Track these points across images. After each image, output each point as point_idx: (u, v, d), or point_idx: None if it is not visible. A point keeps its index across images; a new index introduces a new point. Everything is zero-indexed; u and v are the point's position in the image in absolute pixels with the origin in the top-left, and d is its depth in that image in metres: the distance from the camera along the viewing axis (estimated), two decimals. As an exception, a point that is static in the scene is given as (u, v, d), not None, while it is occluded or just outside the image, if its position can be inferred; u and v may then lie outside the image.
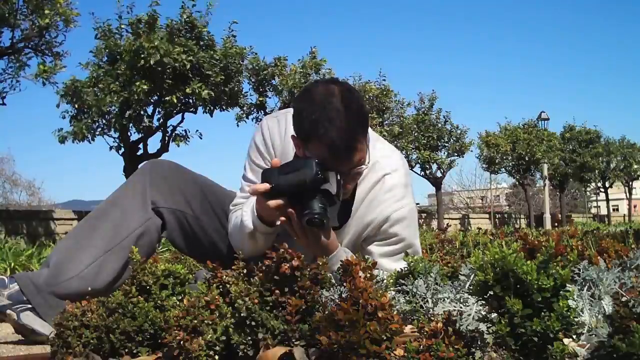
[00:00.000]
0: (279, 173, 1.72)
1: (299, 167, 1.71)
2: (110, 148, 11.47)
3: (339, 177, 1.73)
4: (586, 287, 1.25)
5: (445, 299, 1.24)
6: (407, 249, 1.86)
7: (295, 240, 1.77)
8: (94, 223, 1.99)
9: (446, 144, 19.76)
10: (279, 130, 1.95)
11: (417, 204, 19.66)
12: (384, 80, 17.21)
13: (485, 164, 22.76)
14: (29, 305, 1.84)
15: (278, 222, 1.80)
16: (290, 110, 2.05)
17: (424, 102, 19.36)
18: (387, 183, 1.91)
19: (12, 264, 5.43)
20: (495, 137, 22.07)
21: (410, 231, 1.93)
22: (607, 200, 32.57)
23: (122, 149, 11.50)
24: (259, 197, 1.74)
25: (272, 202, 1.72)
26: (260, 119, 13.40)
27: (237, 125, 13.91)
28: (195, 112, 11.76)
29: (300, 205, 1.71)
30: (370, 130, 1.91)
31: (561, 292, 1.06)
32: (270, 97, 14.42)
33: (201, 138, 12.16)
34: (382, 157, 1.93)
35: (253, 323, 1.23)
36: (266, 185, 1.72)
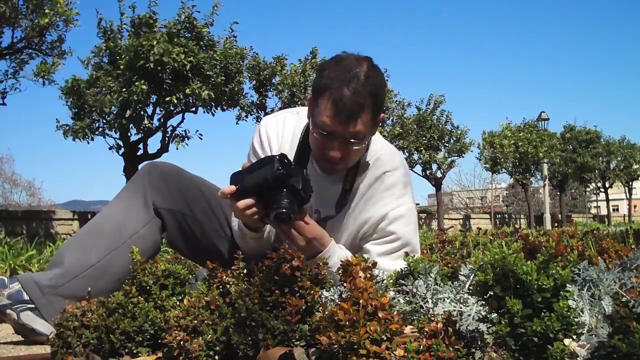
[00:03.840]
0: (246, 173, 1.73)
1: (262, 165, 1.72)
2: (110, 148, 11.46)
3: (306, 173, 1.74)
4: (586, 287, 1.24)
5: (445, 299, 1.24)
6: (405, 248, 1.86)
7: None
8: (98, 225, 1.99)
9: (446, 144, 19.74)
10: (276, 130, 1.95)
11: (417, 204, 19.64)
12: (387, 80, 17.18)
13: (488, 164, 22.73)
14: (29, 305, 1.84)
15: (266, 228, 1.82)
16: (292, 110, 2.05)
17: (430, 104, 19.30)
18: (387, 181, 1.92)
19: (12, 264, 5.44)
20: (499, 137, 22.05)
21: (409, 230, 1.93)
22: (607, 200, 32.58)
23: (122, 149, 11.48)
24: (230, 200, 1.75)
25: (241, 203, 1.73)
26: (261, 119, 13.40)
27: (237, 123, 13.92)
28: (195, 112, 11.74)
29: (269, 202, 1.72)
30: None
31: (561, 292, 1.06)
32: (270, 97, 14.43)
33: (201, 138, 12.14)
34: (383, 154, 1.94)
35: (253, 323, 1.23)
36: (232, 188, 1.73)
